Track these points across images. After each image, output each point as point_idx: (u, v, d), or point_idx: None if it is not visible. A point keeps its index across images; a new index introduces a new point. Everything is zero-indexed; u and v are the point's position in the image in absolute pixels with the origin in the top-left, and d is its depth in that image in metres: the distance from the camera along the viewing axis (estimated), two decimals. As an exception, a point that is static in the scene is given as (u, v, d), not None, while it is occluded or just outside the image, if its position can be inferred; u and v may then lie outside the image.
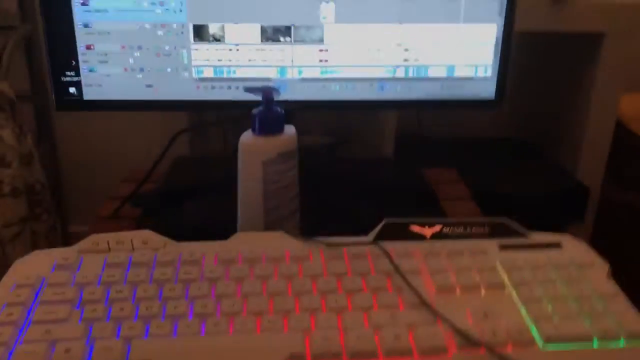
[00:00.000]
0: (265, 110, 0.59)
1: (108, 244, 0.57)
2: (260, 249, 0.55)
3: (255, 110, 0.60)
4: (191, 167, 0.89)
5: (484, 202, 0.83)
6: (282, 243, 0.57)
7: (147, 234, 0.58)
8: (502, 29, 0.75)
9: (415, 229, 0.59)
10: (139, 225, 0.71)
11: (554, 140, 1.19)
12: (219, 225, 0.61)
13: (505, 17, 0.74)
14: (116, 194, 0.81)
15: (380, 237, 0.58)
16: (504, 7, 0.74)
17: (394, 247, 0.56)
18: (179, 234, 0.58)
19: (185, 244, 0.57)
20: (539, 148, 1.23)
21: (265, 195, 0.60)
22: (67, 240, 1.26)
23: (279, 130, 0.60)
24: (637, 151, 1.14)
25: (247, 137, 0.60)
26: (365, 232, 0.59)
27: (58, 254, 0.56)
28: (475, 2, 0.73)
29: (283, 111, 0.60)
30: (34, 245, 1.09)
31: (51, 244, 1.14)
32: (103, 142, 1.27)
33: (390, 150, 1.11)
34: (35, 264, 0.55)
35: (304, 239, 0.58)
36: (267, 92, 0.59)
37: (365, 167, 0.92)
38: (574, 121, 1.11)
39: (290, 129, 0.62)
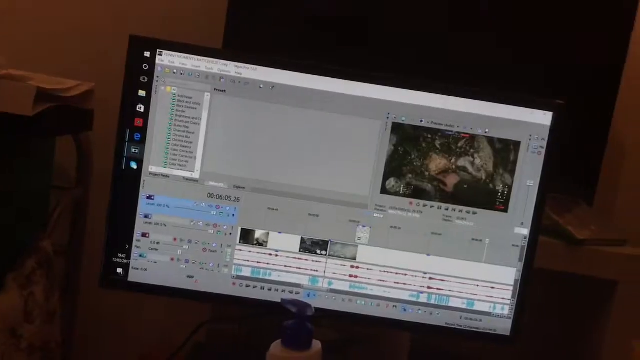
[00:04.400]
0: (298, 325, 0.63)
1: None
2: None
3: (287, 323, 0.64)
4: (207, 357, 0.91)
5: None
6: None
7: None
8: (521, 272, 0.81)
9: None
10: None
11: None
12: None
13: (525, 262, 0.81)
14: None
15: None
16: (524, 254, 0.80)
17: None
18: None
19: None
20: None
21: (283, 408, 0.62)
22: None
23: (308, 346, 0.64)
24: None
25: (275, 349, 0.64)
26: None
27: None
28: (497, 247, 0.80)
29: (312, 328, 0.65)
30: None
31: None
32: (120, 314, 1.29)
33: (403, 361, 1.11)
34: None
35: None
36: (303, 309, 0.64)
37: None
38: (586, 361, 1.12)
39: (316, 345, 0.65)
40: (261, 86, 0.77)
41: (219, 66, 0.77)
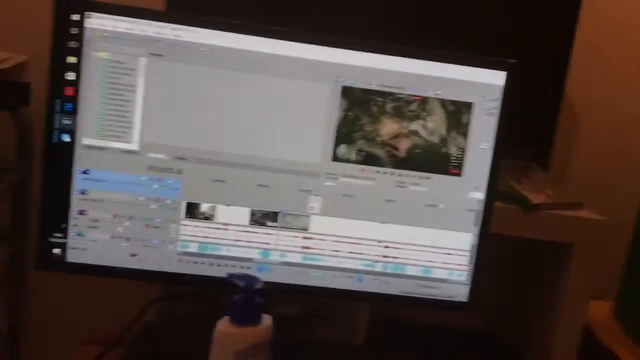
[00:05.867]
0: (246, 300, 0.60)
1: None
2: None
3: (235, 298, 0.61)
4: (160, 336, 0.87)
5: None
6: None
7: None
8: (477, 237, 0.79)
9: None
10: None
11: (525, 339, 1.20)
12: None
13: (481, 227, 0.79)
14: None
15: None
16: (480, 218, 0.79)
17: None
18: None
19: None
20: (509, 345, 1.23)
21: (232, 386, 0.59)
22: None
23: (257, 321, 0.61)
24: (603, 358, 1.15)
25: (223, 324, 0.60)
26: None
27: None
28: (453, 212, 0.78)
29: (263, 302, 0.61)
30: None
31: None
32: (70, 297, 1.24)
33: (362, 334, 1.10)
34: None
35: None
36: (251, 283, 0.60)
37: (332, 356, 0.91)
38: (543, 324, 1.13)
39: (266, 320, 0.62)
40: (202, 49, 0.72)
41: (154, 29, 0.72)
